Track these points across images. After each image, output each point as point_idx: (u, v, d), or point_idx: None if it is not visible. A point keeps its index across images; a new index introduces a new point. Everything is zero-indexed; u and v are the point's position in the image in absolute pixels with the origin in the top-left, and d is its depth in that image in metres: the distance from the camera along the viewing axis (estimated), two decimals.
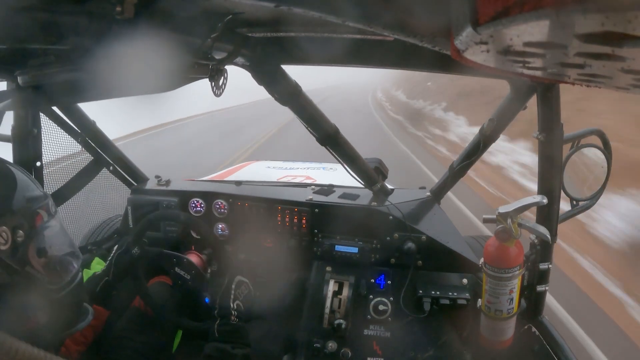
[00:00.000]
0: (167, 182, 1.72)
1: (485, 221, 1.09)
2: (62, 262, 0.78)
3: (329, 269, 1.44)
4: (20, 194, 0.70)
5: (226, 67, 0.90)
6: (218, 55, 0.86)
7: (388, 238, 1.43)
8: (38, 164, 1.32)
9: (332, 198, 1.56)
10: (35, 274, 0.71)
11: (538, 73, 0.34)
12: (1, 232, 0.64)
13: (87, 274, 1.34)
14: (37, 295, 0.72)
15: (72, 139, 1.48)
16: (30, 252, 0.70)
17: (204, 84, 0.88)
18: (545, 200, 1.01)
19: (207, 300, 1.27)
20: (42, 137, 1.33)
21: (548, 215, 1.14)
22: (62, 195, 1.45)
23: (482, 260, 1.10)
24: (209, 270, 1.38)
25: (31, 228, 0.70)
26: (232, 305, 1.16)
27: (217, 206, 1.59)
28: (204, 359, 1.07)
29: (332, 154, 1.39)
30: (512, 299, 1.08)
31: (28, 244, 0.69)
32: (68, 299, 0.79)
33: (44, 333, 0.74)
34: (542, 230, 1.03)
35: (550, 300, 2.64)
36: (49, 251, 0.74)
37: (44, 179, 1.37)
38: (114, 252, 1.27)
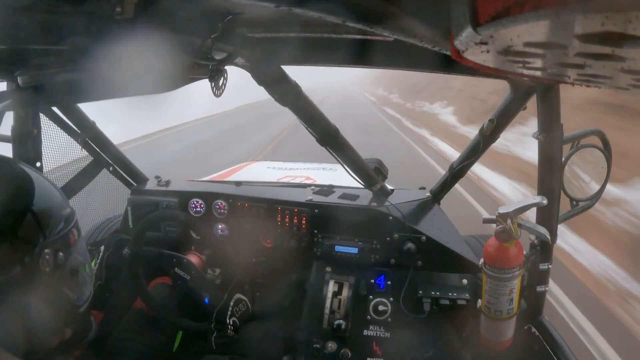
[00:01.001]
0: (167, 183, 1.72)
1: (485, 221, 1.09)
2: (86, 279, 0.78)
3: (328, 269, 1.44)
4: (58, 213, 0.69)
5: (226, 67, 0.90)
6: (218, 56, 0.86)
7: (388, 238, 1.43)
8: (38, 164, 1.32)
9: (332, 198, 1.56)
10: (69, 293, 0.71)
11: (538, 73, 0.34)
12: (45, 255, 0.63)
13: None
14: (67, 313, 0.73)
15: (72, 139, 1.48)
16: (66, 273, 0.70)
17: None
18: (545, 201, 1.01)
19: (206, 301, 1.28)
20: (42, 138, 1.33)
21: (548, 215, 1.14)
22: None
23: (482, 260, 1.10)
24: (208, 271, 1.38)
25: (67, 248, 0.70)
26: (228, 321, 1.18)
27: (217, 207, 1.59)
28: None
29: (332, 155, 1.39)
30: (512, 300, 1.08)
31: (65, 265, 0.69)
32: (85, 313, 0.80)
33: (59, 348, 0.74)
34: (542, 230, 1.03)
35: None
36: (79, 271, 0.74)
37: None
38: (101, 253, 1.27)
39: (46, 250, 0.64)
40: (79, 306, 0.76)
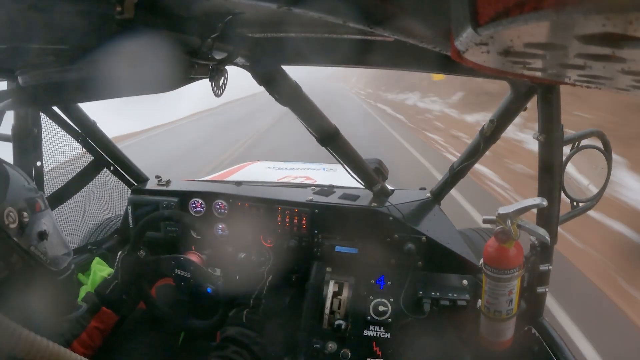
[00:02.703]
0: (167, 182, 1.72)
1: (485, 222, 1.09)
2: (58, 248, 0.84)
3: (329, 269, 1.44)
4: (20, 183, 0.77)
5: (226, 67, 0.90)
6: (218, 56, 0.86)
7: (388, 239, 1.42)
8: (38, 163, 1.32)
9: (332, 199, 1.56)
10: (39, 254, 0.77)
11: (538, 74, 0.34)
12: (9, 212, 0.70)
13: (89, 273, 1.34)
14: (42, 276, 0.78)
15: (72, 138, 1.48)
16: (33, 234, 0.75)
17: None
18: (545, 203, 1.01)
19: (209, 291, 1.27)
20: (43, 137, 1.33)
21: (548, 216, 1.14)
22: (62, 195, 1.45)
23: (481, 261, 1.10)
24: (209, 270, 1.38)
25: (33, 212, 0.76)
26: (262, 300, 1.23)
27: (217, 206, 1.59)
28: (225, 341, 1.06)
29: (332, 155, 1.39)
30: (511, 300, 1.08)
31: (32, 225, 0.75)
32: (65, 283, 0.86)
33: (45, 320, 0.76)
34: (542, 232, 1.03)
35: None
36: (48, 236, 0.79)
37: (45, 178, 1.38)
38: (119, 255, 1.27)
39: (9, 208, 0.70)
40: (56, 272, 0.81)
